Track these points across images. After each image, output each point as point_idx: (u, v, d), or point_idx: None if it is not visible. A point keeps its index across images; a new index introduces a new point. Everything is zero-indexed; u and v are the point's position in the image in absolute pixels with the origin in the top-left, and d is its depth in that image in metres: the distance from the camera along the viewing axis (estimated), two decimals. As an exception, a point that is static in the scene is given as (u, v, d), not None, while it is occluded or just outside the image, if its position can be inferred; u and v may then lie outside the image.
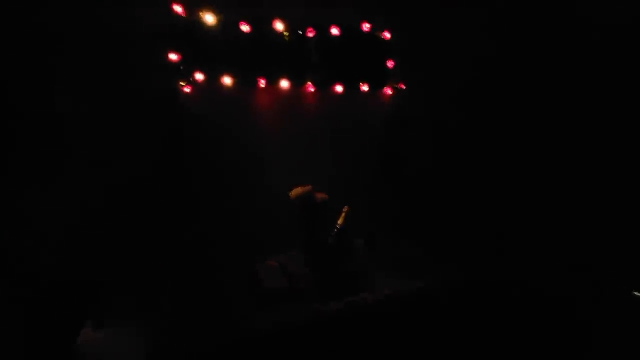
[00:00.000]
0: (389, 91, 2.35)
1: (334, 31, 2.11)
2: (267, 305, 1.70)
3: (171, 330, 1.51)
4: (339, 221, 1.97)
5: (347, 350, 1.73)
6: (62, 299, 1.62)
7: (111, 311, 1.60)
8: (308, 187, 1.98)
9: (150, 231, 1.89)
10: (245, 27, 1.94)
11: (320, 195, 1.99)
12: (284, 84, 2.08)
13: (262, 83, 2.04)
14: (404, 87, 2.35)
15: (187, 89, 1.91)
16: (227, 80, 1.97)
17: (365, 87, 2.27)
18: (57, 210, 1.73)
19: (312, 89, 2.15)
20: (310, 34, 2.06)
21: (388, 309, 1.85)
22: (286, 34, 2.02)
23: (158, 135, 1.90)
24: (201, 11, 1.85)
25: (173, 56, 1.85)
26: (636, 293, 1.98)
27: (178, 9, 1.81)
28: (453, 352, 1.96)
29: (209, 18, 1.87)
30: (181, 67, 1.87)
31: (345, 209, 2.00)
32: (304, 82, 2.13)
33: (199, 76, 1.92)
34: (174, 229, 1.94)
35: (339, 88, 2.21)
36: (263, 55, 2.02)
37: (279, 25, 1.99)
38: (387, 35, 2.23)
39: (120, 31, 1.73)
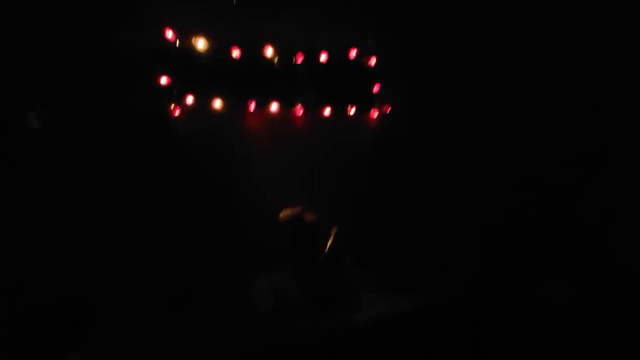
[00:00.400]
0: (375, 114, 2.43)
1: (323, 57, 2.18)
2: (257, 325, 1.71)
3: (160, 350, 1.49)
4: (329, 242, 2.00)
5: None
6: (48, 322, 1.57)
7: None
8: (297, 209, 2.01)
9: (141, 255, 1.87)
10: (236, 52, 1.98)
11: (310, 217, 2.02)
12: (274, 106, 2.13)
13: (252, 106, 2.08)
14: (389, 110, 2.44)
15: (177, 112, 1.93)
16: (217, 103, 2.00)
17: (352, 110, 2.34)
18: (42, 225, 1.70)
19: (301, 112, 2.21)
20: (300, 59, 2.13)
21: (376, 328, 1.88)
22: (276, 58, 2.08)
23: (149, 155, 1.90)
24: (193, 36, 1.89)
25: (164, 80, 1.87)
26: None
27: (170, 34, 1.84)
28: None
29: (201, 43, 1.90)
30: (173, 91, 1.89)
31: (334, 229, 2.04)
32: (294, 105, 2.18)
33: (190, 99, 1.95)
34: (165, 250, 1.93)
35: (327, 111, 2.28)
36: (253, 79, 2.07)
37: (269, 51, 2.05)
38: (373, 61, 2.32)
39: (111, 56, 1.74)
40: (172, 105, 1.91)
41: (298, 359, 1.69)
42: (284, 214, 1.99)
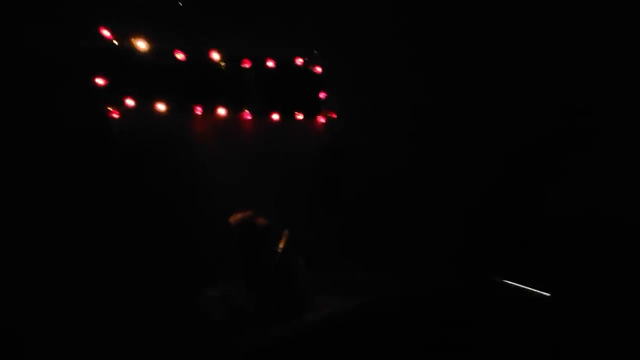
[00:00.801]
0: (322, 119, 2.52)
1: (270, 64, 2.22)
2: (211, 336, 1.64)
3: None
4: (280, 245, 2.00)
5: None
6: None
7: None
8: (248, 213, 1.99)
9: (85, 265, 1.72)
10: (180, 56, 1.94)
11: (260, 221, 2.01)
12: (221, 111, 2.11)
13: (199, 110, 2.04)
14: (335, 116, 2.55)
15: (115, 115, 1.83)
16: (161, 107, 1.93)
17: (300, 116, 2.41)
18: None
19: (249, 117, 2.21)
20: (247, 65, 2.15)
21: (330, 327, 1.91)
22: (222, 64, 2.07)
23: (88, 161, 1.77)
24: (133, 37, 1.82)
25: (100, 81, 1.76)
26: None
27: (107, 33, 1.75)
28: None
29: (142, 45, 1.84)
30: (110, 92, 1.79)
31: (285, 232, 2.05)
32: (241, 110, 2.18)
33: (130, 102, 1.85)
34: (109, 261, 1.78)
35: (275, 116, 2.31)
36: (199, 83, 2.04)
37: (215, 56, 2.04)
38: (319, 69, 2.42)
39: (42, 54, 1.61)
40: (110, 108, 1.80)
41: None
42: (234, 218, 1.95)
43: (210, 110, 2.09)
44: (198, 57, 2.01)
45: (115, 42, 1.77)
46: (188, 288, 1.87)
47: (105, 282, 1.76)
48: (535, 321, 2.19)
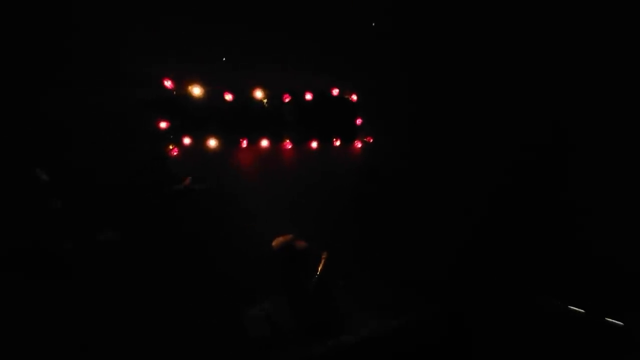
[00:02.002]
0: (358, 144, 2.63)
1: (308, 96, 2.39)
2: (253, 353, 1.80)
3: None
4: (320, 267, 2.13)
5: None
6: None
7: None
8: (289, 237, 2.15)
9: (137, 283, 2.00)
10: (228, 96, 2.19)
11: (301, 244, 2.16)
12: (264, 142, 2.32)
13: (245, 143, 2.27)
14: (371, 140, 2.64)
15: (175, 152, 2.11)
16: (212, 142, 2.18)
17: (337, 142, 2.54)
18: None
19: (289, 146, 2.39)
20: (287, 99, 2.34)
21: (368, 348, 1.98)
22: (265, 100, 2.28)
23: (150, 190, 2.07)
24: (189, 84, 2.09)
25: (163, 124, 2.06)
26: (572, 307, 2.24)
27: (168, 83, 2.05)
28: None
29: (196, 90, 2.11)
30: (171, 134, 2.08)
31: (324, 255, 2.17)
32: (282, 140, 2.37)
33: (187, 140, 2.13)
34: (161, 280, 2.05)
35: (314, 144, 2.47)
36: (245, 119, 2.26)
37: (258, 93, 2.25)
38: (354, 97, 2.54)
39: (116, 108, 1.95)
40: (171, 146, 2.09)
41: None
42: (277, 242, 2.13)
43: (254, 142, 2.30)
44: (243, 95, 2.23)
45: (174, 90, 2.05)
46: (232, 307, 2.08)
47: (158, 302, 2.01)
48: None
